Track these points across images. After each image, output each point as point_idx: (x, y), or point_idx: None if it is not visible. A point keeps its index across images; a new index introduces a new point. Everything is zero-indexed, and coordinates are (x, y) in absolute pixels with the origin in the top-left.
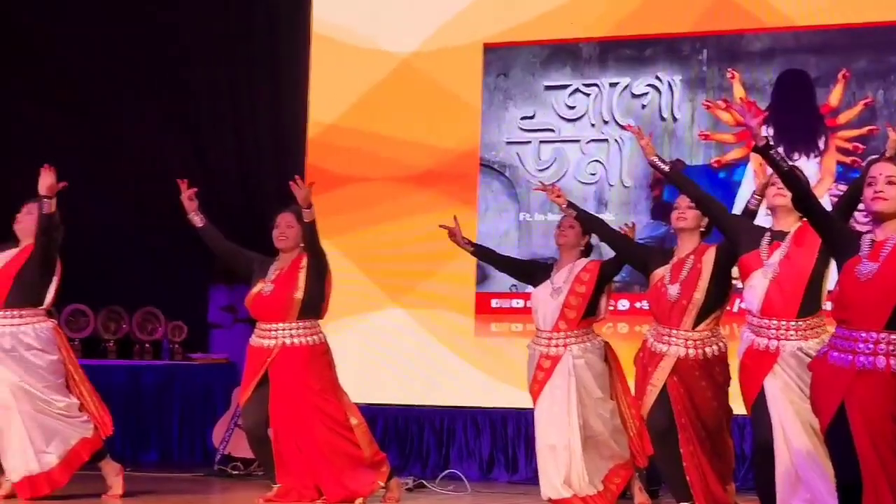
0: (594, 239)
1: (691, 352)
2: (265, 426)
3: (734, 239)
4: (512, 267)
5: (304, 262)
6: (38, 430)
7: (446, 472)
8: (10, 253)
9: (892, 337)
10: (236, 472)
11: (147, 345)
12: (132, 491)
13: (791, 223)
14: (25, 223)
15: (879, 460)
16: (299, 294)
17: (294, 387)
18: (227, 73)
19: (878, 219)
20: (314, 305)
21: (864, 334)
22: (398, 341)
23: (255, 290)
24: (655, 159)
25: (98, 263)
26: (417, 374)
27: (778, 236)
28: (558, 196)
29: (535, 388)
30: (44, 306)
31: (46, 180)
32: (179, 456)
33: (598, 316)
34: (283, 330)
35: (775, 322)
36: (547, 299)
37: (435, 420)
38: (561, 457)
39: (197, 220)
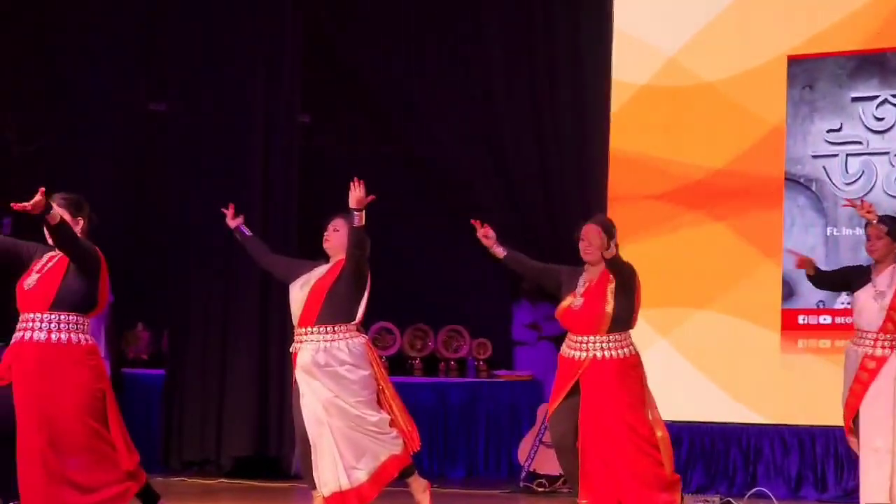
0: None
1: None
2: (573, 437)
3: None
4: None
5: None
6: (348, 446)
7: (754, 490)
8: (323, 269)
9: None
10: (541, 489)
11: (452, 362)
12: None
13: None
14: (334, 240)
15: None
16: (609, 308)
17: (604, 400)
18: (531, 94)
19: None
20: (624, 319)
21: None
22: (702, 357)
23: (564, 304)
24: None
25: (404, 282)
26: (722, 391)
27: None
28: (869, 212)
29: (858, 388)
30: (355, 321)
31: (356, 194)
32: (485, 472)
33: None
34: (594, 342)
35: None
36: (870, 302)
37: (741, 438)
38: (885, 461)
39: (499, 251)
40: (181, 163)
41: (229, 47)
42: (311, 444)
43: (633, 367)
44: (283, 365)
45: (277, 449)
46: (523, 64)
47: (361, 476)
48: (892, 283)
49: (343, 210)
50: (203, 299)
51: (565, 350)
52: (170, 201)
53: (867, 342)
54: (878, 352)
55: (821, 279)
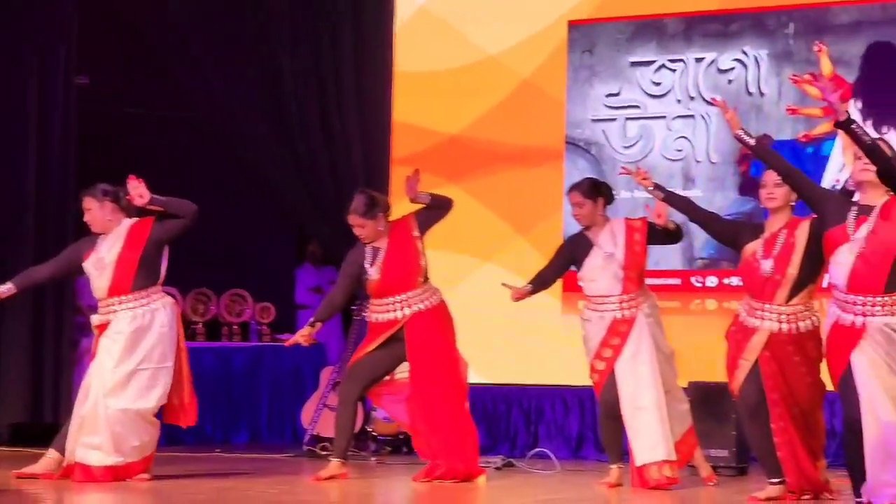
0: (679, 216)
1: (784, 326)
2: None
3: (821, 213)
4: None
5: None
6: (108, 428)
7: (535, 450)
8: (115, 239)
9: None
10: (325, 453)
11: (235, 327)
12: (223, 472)
13: (878, 197)
14: (92, 221)
15: None
16: (423, 261)
17: (432, 349)
18: (314, 63)
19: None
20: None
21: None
22: (484, 321)
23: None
24: (741, 133)
25: (185, 246)
26: (505, 354)
27: (865, 210)
28: (644, 178)
29: (610, 353)
30: (160, 281)
31: (137, 189)
32: (269, 437)
33: None
34: (410, 298)
35: (861, 298)
36: (601, 266)
37: (523, 399)
38: (654, 417)
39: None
40: None
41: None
42: (78, 403)
43: (448, 313)
44: (59, 331)
45: (53, 416)
46: (306, 32)
47: (106, 460)
48: (616, 242)
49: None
50: None
51: (375, 316)
52: None
53: (611, 306)
54: (627, 313)
55: (551, 277)
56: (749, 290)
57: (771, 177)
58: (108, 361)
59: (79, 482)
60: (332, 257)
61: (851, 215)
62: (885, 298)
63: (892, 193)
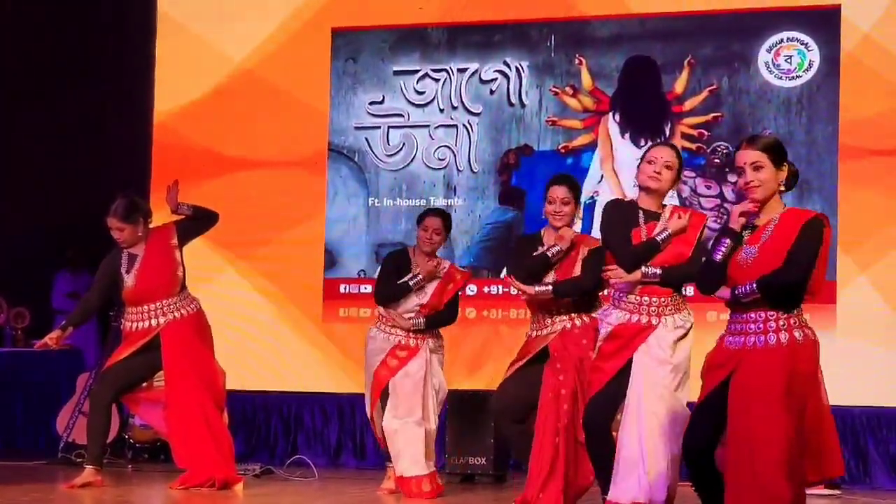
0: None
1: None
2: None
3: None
4: None
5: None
6: None
7: (294, 458)
8: None
9: (781, 314)
10: (80, 460)
11: None
12: None
13: (658, 204)
14: None
15: (752, 432)
16: (180, 272)
17: (188, 356)
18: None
19: (760, 204)
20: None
21: (753, 315)
22: (245, 327)
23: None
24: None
25: None
26: (265, 361)
27: (651, 216)
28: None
29: (385, 373)
30: None
31: None
32: (24, 444)
33: None
34: (167, 306)
35: (656, 299)
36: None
37: (282, 406)
38: (416, 433)
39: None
40: None
41: None
42: None
43: (205, 321)
44: None
45: None
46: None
47: None
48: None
49: None
50: None
51: (130, 325)
52: None
53: (400, 332)
54: (412, 342)
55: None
56: None
57: (558, 192)
58: None
59: None
60: (90, 263)
61: (641, 219)
62: (674, 297)
63: (672, 205)
